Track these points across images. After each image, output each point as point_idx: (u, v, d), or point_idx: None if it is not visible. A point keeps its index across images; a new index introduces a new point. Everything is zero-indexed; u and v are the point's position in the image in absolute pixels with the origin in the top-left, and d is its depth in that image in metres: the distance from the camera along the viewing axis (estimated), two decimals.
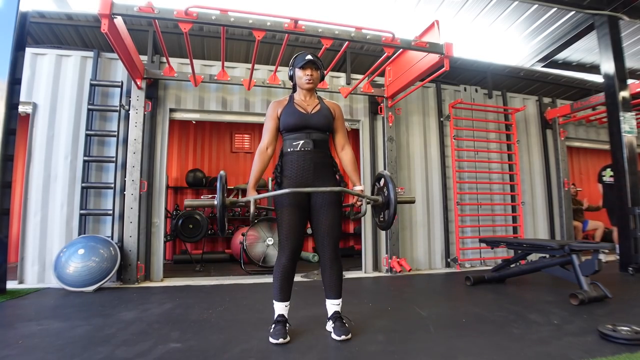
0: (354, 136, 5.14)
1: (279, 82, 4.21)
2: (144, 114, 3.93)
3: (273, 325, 2.02)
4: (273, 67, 4.23)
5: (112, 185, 3.81)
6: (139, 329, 2.22)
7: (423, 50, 3.45)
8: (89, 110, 3.88)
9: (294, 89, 2.24)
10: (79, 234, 3.70)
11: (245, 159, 7.02)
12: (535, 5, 4.68)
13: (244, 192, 6.13)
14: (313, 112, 2.11)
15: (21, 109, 3.63)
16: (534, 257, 4.15)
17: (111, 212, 3.76)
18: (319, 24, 3.13)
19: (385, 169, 4.52)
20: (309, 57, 2.10)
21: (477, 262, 4.91)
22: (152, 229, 3.94)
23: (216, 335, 2.10)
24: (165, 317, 2.49)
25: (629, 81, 4.52)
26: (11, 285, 3.45)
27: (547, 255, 3.26)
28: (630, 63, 5.77)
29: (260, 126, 4.38)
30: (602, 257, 2.79)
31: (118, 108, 3.92)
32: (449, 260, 4.75)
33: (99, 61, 4.06)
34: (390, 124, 4.58)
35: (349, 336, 2.00)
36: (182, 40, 4.09)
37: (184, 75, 4.04)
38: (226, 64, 4.24)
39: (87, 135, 3.83)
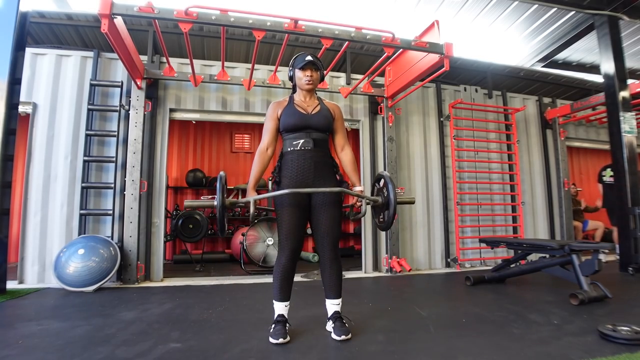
0: (354, 136, 5.14)
1: (279, 82, 4.21)
2: (144, 114, 3.93)
3: (273, 325, 2.02)
4: (273, 67, 4.23)
5: (112, 185, 3.81)
6: (139, 329, 2.22)
7: (423, 50, 3.45)
8: (89, 110, 3.88)
9: (294, 89, 2.24)
10: (79, 234, 3.70)
11: (245, 159, 7.02)
12: (535, 5, 4.68)
13: (244, 192, 6.13)
14: (313, 112, 2.11)
15: (21, 109, 3.63)
16: (534, 257, 4.15)
17: (111, 212, 3.76)
18: (319, 24, 3.13)
19: (385, 169, 4.52)
20: (308, 58, 2.10)
21: (477, 262, 4.91)
22: (152, 229, 3.94)
23: (216, 335, 2.10)
24: (165, 317, 2.49)
25: (629, 81, 4.52)
26: (11, 285, 3.45)
27: (547, 255, 3.26)
28: (630, 63, 5.77)
29: (260, 126, 4.38)
30: (602, 257, 2.79)
31: (118, 108, 3.92)
32: (449, 260, 4.75)
33: (99, 61, 4.07)
34: (390, 124, 4.58)
35: (349, 336, 2.00)
36: (182, 40, 4.09)
37: (184, 75, 4.04)
38: (226, 64, 4.24)
39: (87, 135, 3.83)
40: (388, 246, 4.43)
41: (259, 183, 2.15)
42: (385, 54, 3.44)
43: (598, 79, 5.75)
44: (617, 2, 4.44)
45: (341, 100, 4.57)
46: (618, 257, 4.37)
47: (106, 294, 3.24)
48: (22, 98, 3.56)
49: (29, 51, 3.71)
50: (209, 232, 5.89)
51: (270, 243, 4.68)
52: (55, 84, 3.93)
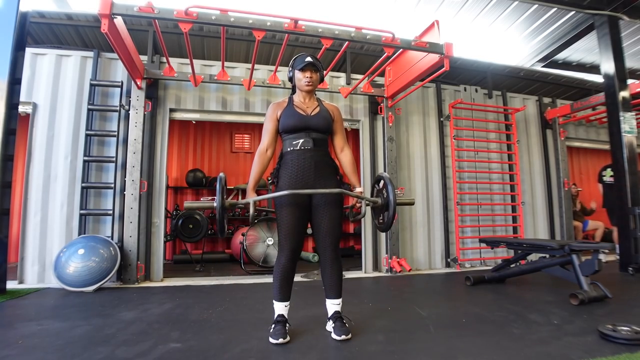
0: (354, 136, 5.15)
1: (279, 82, 4.21)
2: (144, 114, 3.93)
3: (273, 325, 2.02)
4: (273, 67, 4.23)
5: (112, 185, 3.81)
6: (139, 329, 2.22)
7: (423, 50, 3.45)
8: (89, 110, 3.88)
9: (293, 90, 2.24)
10: (79, 234, 3.70)
11: (245, 159, 7.02)
12: (535, 5, 4.68)
13: (244, 192, 6.13)
14: (312, 114, 2.11)
15: (21, 109, 3.63)
16: (534, 257, 4.16)
17: (111, 212, 3.76)
18: (319, 24, 3.14)
19: (385, 169, 4.52)
20: (308, 59, 2.10)
21: (477, 262, 4.91)
22: (152, 229, 3.94)
23: (216, 335, 2.10)
24: (165, 317, 2.49)
25: (629, 81, 4.52)
26: (11, 285, 3.45)
27: (547, 255, 3.26)
28: (630, 63, 5.77)
29: (260, 126, 4.37)
30: (602, 257, 2.79)
31: (118, 108, 3.92)
32: (449, 260, 4.75)
33: (99, 61, 4.06)
34: (390, 124, 4.58)
35: (349, 336, 2.00)
36: (182, 40, 4.09)
37: (184, 75, 4.04)
38: (226, 64, 4.24)
39: (87, 135, 3.83)
40: (388, 246, 4.43)
41: (259, 184, 2.15)
42: (385, 54, 3.44)
43: (598, 79, 5.75)
44: (617, 2, 4.44)
45: (341, 100, 4.57)
46: (618, 257, 4.37)
47: (106, 294, 3.24)
48: (22, 98, 3.56)
49: (29, 51, 3.71)
50: (209, 232, 5.89)
51: (270, 243, 4.68)
52: (55, 84, 3.93)
